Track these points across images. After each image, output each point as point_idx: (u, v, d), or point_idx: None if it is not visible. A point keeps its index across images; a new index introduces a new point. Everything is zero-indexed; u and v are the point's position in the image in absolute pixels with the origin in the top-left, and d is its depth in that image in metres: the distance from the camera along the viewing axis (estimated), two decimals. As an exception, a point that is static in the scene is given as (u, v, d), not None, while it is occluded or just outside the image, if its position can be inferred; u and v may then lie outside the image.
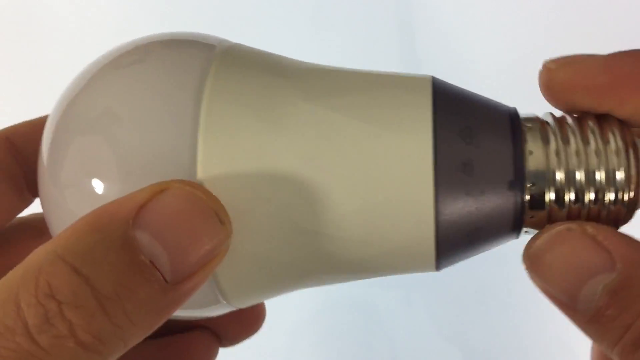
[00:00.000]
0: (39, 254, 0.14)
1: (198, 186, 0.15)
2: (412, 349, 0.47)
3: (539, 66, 0.17)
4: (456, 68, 0.46)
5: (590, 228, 0.15)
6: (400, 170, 0.16)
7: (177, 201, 0.15)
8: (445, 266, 0.17)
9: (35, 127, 0.20)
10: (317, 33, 0.49)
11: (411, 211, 0.16)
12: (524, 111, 0.17)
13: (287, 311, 0.43)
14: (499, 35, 0.47)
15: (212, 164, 0.16)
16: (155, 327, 0.15)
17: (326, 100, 0.16)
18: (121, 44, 0.18)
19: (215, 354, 0.24)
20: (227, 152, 0.16)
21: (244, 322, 0.24)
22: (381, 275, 0.18)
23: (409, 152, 0.16)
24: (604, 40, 0.47)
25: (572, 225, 0.15)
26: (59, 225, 0.17)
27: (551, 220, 0.16)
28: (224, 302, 0.17)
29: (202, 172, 0.16)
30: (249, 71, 0.17)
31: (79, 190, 0.16)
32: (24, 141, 0.20)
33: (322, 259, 0.17)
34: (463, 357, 0.47)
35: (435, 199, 0.16)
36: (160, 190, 0.15)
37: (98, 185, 0.16)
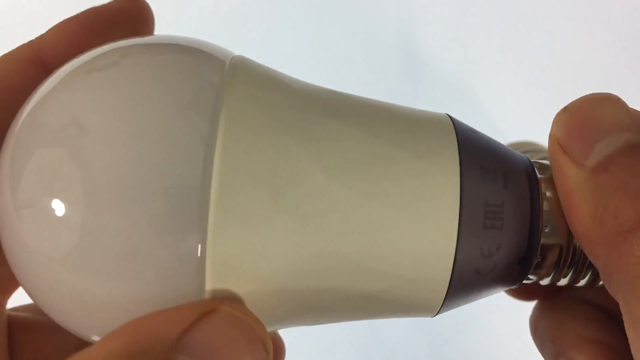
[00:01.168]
0: None
1: (248, 312, 0.14)
2: (410, 352, 0.47)
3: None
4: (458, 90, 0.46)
5: (632, 110, 0.15)
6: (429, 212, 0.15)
7: (226, 327, 0.13)
8: (445, 310, 0.17)
9: (66, 35, 0.18)
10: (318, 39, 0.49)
11: (432, 251, 0.15)
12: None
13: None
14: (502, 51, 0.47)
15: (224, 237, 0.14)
16: None
17: (349, 176, 0.15)
18: (100, 47, 0.16)
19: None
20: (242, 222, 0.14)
21: None
22: (384, 313, 0.17)
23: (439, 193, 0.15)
24: (605, 72, 0.47)
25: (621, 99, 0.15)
26: (17, 262, 0.15)
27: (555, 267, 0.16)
28: None
29: (212, 234, 0.13)
30: (265, 116, 0.14)
31: (36, 211, 0.14)
32: (54, 56, 0.18)
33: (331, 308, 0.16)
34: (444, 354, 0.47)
35: (457, 242, 0.15)
36: (207, 311, 0.13)
37: (58, 207, 0.13)
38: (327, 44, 0.49)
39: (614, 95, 0.15)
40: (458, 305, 0.17)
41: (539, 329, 0.19)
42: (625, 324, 0.13)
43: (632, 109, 0.15)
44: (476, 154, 0.16)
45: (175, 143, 0.13)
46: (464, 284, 0.16)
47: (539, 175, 0.16)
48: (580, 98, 0.15)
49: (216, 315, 0.13)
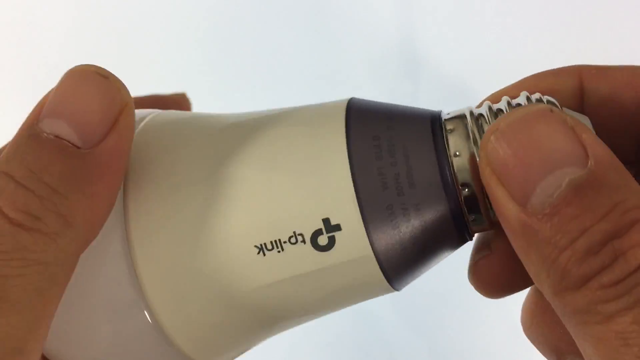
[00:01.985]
0: None
1: (82, 64, 0.16)
2: (410, 353, 0.47)
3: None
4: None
5: (570, 119, 0.14)
6: (326, 203, 0.16)
7: (65, 81, 0.16)
8: (404, 286, 0.17)
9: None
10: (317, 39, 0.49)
11: (355, 267, 0.16)
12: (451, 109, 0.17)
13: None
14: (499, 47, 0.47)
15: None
16: (96, 203, 0.15)
17: (241, 159, 0.17)
18: None
19: None
20: (156, 239, 0.16)
21: None
22: (340, 308, 0.18)
23: (329, 184, 0.16)
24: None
25: (555, 109, 0.14)
26: None
27: (493, 219, 0.16)
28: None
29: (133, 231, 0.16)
30: (160, 151, 0.17)
31: None
32: None
33: (275, 311, 0.17)
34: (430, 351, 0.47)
35: (367, 233, 0.16)
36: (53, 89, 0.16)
37: None
38: (327, 44, 0.49)
39: (545, 108, 0.14)
40: (413, 268, 0.17)
41: (537, 325, 0.19)
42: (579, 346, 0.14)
43: (569, 116, 0.14)
44: (362, 102, 0.17)
45: None
46: (382, 224, 0.16)
47: (446, 132, 0.16)
48: (511, 116, 0.14)
49: (59, 81, 0.16)
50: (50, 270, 0.14)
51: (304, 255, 0.16)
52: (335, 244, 0.16)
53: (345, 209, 0.15)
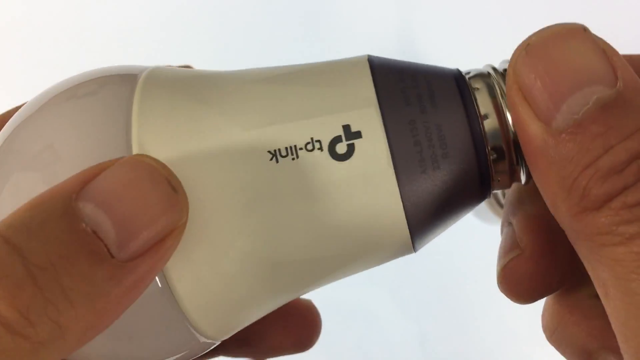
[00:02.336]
0: None
1: (147, 155, 0.14)
2: (410, 351, 0.47)
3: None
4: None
5: (601, 41, 0.14)
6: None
7: (124, 170, 0.13)
8: (422, 246, 0.17)
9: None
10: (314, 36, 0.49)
11: (372, 181, 0.15)
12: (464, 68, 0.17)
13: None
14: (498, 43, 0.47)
15: None
16: (100, 322, 0.13)
17: (258, 76, 0.16)
18: (63, 80, 0.17)
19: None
20: (163, 144, 0.15)
21: (299, 334, 0.23)
22: (358, 268, 0.17)
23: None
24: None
25: (588, 29, 0.14)
26: None
27: (515, 176, 0.16)
28: (197, 333, 0.16)
29: None
30: (170, 88, 0.16)
31: None
32: None
33: (286, 234, 0.15)
34: (459, 357, 0.47)
35: (398, 185, 0.15)
36: (107, 165, 0.13)
37: None
38: (326, 44, 0.49)
39: (579, 27, 0.14)
40: (435, 224, 0.16)
41: (563, 327, 0.18)
42: (596, 287, 0.13)
43: (601, 40, 0.14)
44: (383, 59, 0.16)
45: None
46: (403, 137, 0.15)
47: (474, 90, 0.16)
48: (544, 32, 0.14)
49: (116, 164, 0.13)
50: None
51: (320, 164, 0.15)
52: (354, 153, 0.15)
53: (367, 115, 0.15)
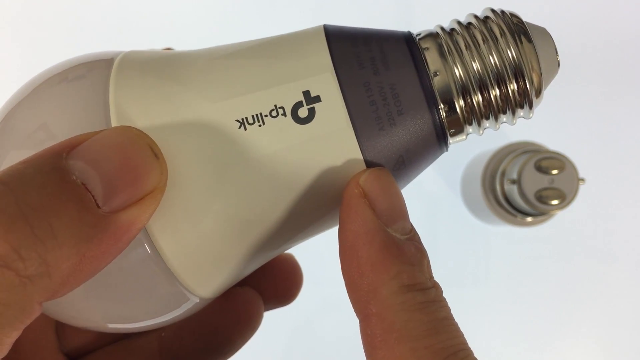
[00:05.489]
0: None
1: (131, 127, 0.16)
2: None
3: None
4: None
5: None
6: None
7: (112, 135, 0.15)
8: None
9: None
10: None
11: (334, 141, 0.16)
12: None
13: (285, 310, 0.43)
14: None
15: None
16: (83, 265, 0.14)
17: (225, 53, 0.17)
18: (54, 64, 0.18)
19: (262, 313, 0.24)
20: (140, 118, 0.16)
21: (280, 288, 0.24)
22: (328, 224, 0.18)
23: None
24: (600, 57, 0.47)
25: None
26: None
27: (468, 121, 0.17)
28: (184, 288, 0.17)
29: None
30: (147, 58, 0.18)
31: None
32: None
33: (257, 196, 0.17)
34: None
35: (358, 142, 0.16)
36: (95, 132, 0.15)
37: None
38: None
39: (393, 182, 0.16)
40: (397, 176, 0.17)
41: None
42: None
43: None
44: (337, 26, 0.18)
45: None
46: (359, 98, 0.16)
47: (424, 50, 0.17)
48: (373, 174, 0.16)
49: (105, 130, 0.15)
50: (5, 312, 0.13)
51: (285, 128, 0.16)
52: (315, 116, 0.16)
53: (324, 80, 0.16)
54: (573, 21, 0.47)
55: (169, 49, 0.22)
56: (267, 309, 0.24)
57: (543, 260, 0.46)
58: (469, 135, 0.17)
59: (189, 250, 0.16)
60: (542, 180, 0.39)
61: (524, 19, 0.18)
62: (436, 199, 0.47)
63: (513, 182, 0.40)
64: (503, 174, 0.42)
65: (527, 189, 0.39)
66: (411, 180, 0.18)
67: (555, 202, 0.39)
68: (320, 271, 0.40)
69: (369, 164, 0.16)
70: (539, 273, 0.47)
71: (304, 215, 0.17)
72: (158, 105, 0.16)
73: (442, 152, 0.18)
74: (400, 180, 0.18)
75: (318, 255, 0.36)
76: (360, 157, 0.16)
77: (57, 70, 0.18)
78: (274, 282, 0.24)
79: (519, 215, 0.42)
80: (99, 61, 0.18)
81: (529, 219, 0.42)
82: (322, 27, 0.17)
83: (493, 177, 0.43)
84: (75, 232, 0.13)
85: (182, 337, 0.23)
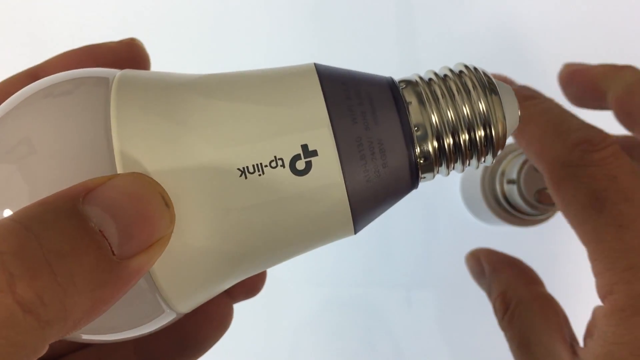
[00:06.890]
0: None
1: (144, 174, 0.16)
2: (413, 348, 0.47)
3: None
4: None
5: None
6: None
7: (126, 183, 0.15)
8: (361, 229, 0.19)
9: (64, 62, 0.20)
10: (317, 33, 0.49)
11: (327, 193, 0.18)
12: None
13: (288, 311, 0.43)
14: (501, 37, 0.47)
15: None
16: (95, 309, 0.14)
17: (225, 94, 0.18)
18: (39, 80, 0.19)
19: (232, 312, 0.25)
20: (145, 159, 0.17)
21: (247, 284, 0.25)
22: (308, 247, 0.20)
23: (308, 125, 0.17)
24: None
25: None
26: None
27: (438, 164, 0.19)
28: (166, 306, 0.18)
29: None
30: (145, 87, 0.18)
31: None
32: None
33: (253, 236, 0.18)
34: (460, 356, 0.47)
35: (347, 194, 0.18)
36: (109, 177, 0.15)
37: (7, 215, 0.15)
38: (327, 42, 0.49)
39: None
40: (372, 211, 0.19)
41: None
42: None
43: None
44: (328, 68, 0.19)
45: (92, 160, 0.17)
46: (359, 187, 0.18)
47: (408, 105, 0.18)
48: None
49: (118, 177, 0.16)
50: (19, 353, 0.13)
51: (283, 179, 0.17)
52: (312, 169, 0.17)
53: (321, 136, 0.17)
54: (573, 21, 0.47)
55: (131, 39, 0.22)
56: (235, 302, 0.25)
57: (543, 260, 0.46)
58: (436, 176, 0.19)
59: (179, 275, 0.17)
60: (542, 180, 0.39)
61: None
62: (436, 199, 0.47)
63: (512, 182, 0.40)
64: (503, 174, 0.42)
65: (527, 189, 0.39)
66: (383, 213, 0.20)
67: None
68: (320, 271, 0.40)
69: (354, 212, 0.18)
70: (539, 273, 0.47)
71: (293, 250, 0.19)
72: (161, 147, 0.17)
73: (410, 191, 0.20)
74: (374, 217, 0.19)
75: (318, 255, 0.36)
76: (348, 207, 0.18)
77: (42, 85, 0.18)
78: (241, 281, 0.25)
79: (519, 215, 0.42)
80: (87, 78, 0.18)
81: (529, 219, 0.42)
82: (314, 68, 0.19)
83: (493, 177, 0.43)
84: (92, 278, 0.14)
85: (158, 337, 0.24)
